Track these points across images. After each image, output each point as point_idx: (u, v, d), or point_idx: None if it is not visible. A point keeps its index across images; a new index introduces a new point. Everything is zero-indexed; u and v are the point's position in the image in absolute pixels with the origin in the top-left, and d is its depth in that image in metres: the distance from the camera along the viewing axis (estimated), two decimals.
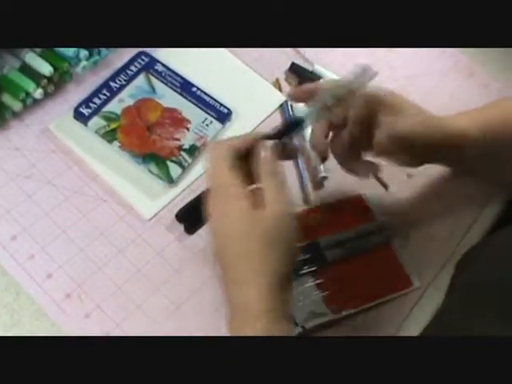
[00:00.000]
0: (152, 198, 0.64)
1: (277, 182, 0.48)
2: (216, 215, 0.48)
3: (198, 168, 0.66)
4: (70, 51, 0.65)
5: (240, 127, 0.70)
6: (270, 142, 0.50)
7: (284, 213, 0.47)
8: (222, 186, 0.47)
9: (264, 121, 0.71)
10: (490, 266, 0.50)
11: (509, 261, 0.47)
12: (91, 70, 0.70)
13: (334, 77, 0.76)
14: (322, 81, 0.57)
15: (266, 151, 0.49)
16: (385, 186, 0.68)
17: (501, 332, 0.42)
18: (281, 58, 0.78)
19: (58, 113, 0.67)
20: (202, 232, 0.62)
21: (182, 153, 0.66)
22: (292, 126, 0.54)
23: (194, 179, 0.66)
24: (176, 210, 0.63)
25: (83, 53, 0.67)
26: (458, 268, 0.59)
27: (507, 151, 0.61)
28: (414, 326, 0.60)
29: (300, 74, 0.76)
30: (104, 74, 0.70)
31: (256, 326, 0.45)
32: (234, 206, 0.46)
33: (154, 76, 0.70)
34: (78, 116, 0.66)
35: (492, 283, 0.47)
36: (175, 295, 0.59)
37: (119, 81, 0.69)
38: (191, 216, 0.63)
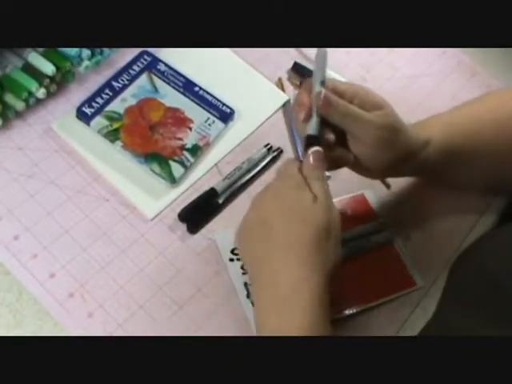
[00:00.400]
0: (154, 198, 0.64)
1: (318, 182, 0.52)
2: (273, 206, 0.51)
3: (201, 168, 0.66)
4: (72, 51, 0.65)
5: (243, 127, 0.70)
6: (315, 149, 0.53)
7: (327, 204, 0.51)
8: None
9: (267, 120, 0.71)
10: (484, 264, 0.50)
11: (504, 259, 0.47)
12: (94, 69, 0.70)
13: (337, 76, 0.76)
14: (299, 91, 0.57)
15: (308, 159, 0.53)
16: (387, 185, 0.69)
17: (493, 332, 0.42)
18: (283, 57, 0.78)
19: (61, 112, 0.67)
20: (205, 231, 0.63)
21: (185, 152, 0.66)
22: (310, 142, 0.54)
23: (196, 179, 0.66)
24: (179, 210, 0.63)
25: (86, 52, 0.67)
26: (453, 267, 0.59)
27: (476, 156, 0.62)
28: (416, 325, 0.60)
29: (302, 74, 0.76)
30: (106, 73, 0.70)
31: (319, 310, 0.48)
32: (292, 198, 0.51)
33: (157, 76, 0.70)
34: (81, 115, 0.66)
35: (485, 283, 0.47)
36: (178, 295, 0.59)
37: (122, 80, 0.69)
38: (194, 215, 0.63)
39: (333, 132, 0.55)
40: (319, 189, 0.51)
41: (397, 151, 0.56)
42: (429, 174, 0.65)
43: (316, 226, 0.49)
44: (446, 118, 0.63)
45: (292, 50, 0.79)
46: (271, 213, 0.50)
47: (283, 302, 0.48)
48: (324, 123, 0.55)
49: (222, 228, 0.63)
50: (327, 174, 0.66)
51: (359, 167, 0.59)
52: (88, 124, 0.66)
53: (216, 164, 0.67)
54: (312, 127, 0.54)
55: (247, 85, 0.74)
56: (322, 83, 0.55)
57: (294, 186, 0.51)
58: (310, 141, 0.54)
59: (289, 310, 0.48)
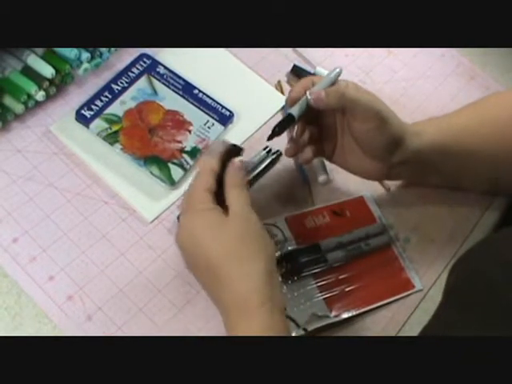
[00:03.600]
0: (154, 201, 0.63)
1: (238, 191, 0.53)
2: (187, 229, 0.52)
3: None
4: (71, 53, 0.65)
5: (242, 129, 0.70)
6: (237, 159, 0.56)
7: (243, 213, 0.52)
8: (192, 204, 0.53)
9: (266, 123, 0.71)
10: (481, 267, 0.50)
11: (500, 263, 0.47)
12: (93, 72, 0.70)
13: None
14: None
15: (231, 167, 0.55)
16: (386, 188, 0.69)
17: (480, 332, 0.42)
18: (282, 60, 0.78)
19: (60, 115, 0.67)
20: None
21: (184, 155, 0.66)
22: (285, 121, 0.59)
23: None
24: (178, 213, 0.63)
25: (85, 55, 0.66)
26: (452, 270, 0.59)
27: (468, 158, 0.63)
28: (415, 328, 0.60)
29: (302, 76, 0.75)
30: (106, 76, 0.70)
31: (256, 317, 0.48)
32: (202, 218, 0.52)
33: (156, 78, 0.70)
34: (80, 118, 0.66)
35: (482, 285, 0.48)
36: (177, 297, 0.59)
37: (121, 83, 0.69)
38: None
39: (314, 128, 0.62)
40: (234, 197, 0.53)
41: (390, 129, 0.58)
42: (425, 176, 0.65)
43: (228, 240, 0.51)
44: (442, 120, 0.64)
45: (291, 53, 0.79)
46: (189, 243, 0.52)
47: (232, 318, 0.50)
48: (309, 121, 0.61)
49: None
50: (323, 177, 0.67)
51: (355, 164, 0.62)
52: (87, 126, 0.66)
53: None
54: (295, 109, 0.59)
55: (246, 87, 0.74)
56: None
57: (200, 209, 0.52)
58: (287, 120, 0.59)
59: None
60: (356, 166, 0.63)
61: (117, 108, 0.67)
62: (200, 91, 0.70)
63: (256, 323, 0.48)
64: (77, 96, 0.69)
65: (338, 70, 0.61)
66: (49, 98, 0.67)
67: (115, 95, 0.68)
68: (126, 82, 0.69)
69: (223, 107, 0.70)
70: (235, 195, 0.53)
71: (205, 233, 0.51)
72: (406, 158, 0.60)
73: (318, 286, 0.61)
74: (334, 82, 0.60)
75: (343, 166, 0.64)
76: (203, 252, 0.51)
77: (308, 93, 0.58)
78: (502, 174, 0.64)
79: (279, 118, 0.72)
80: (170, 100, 0.69)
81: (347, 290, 0.61)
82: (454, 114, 0.64)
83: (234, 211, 0.52)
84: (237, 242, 0.50)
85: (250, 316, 0.48)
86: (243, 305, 0.49)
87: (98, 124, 0.66)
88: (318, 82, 0.60)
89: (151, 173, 0.64)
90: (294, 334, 0.56)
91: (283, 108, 0.73)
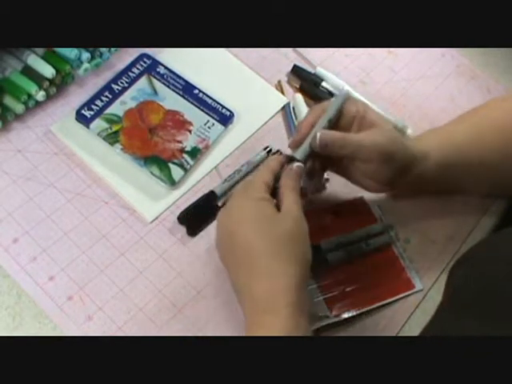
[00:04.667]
0: (154, 201, 0.64)
1: (294, 194, 0.54)
2: (236, 211, 0.53)
3: (200, 170, 0.66)
4: (72, 53, 0.65)
5: (242, 130, 0.70)
6: (296, 164, 0.57)
7: (297, 215, 0.53)
8: (248, 190, 0.54)
9: (266, 123, 0.71)
10: (482, 268, 0.50)
11: (501, 264, 0.47)
12: (93, 72, 0.70)
13: (335, 79, 0.76)
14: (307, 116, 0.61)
15: (290, 170, 0.56)
16: None
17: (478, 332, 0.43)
18: (283, 60, 0.78)
19: (60, 115, 0.67)
20: (205, 234, 0.63)
21: (184, 155, 0.66)
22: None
23: (196, 181, 0.66)
24: (178, 213, 0.63)
25: (85, 55, 0.66)
26: (452, 271, 0.59)
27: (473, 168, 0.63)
28: (415, 328, 0.60)
29: (302, 77, 0.76)
30: (106, 76, 0.70)
31: (283, 315, 0.49)
32: (255, 205, 0.53)
33: (156, 78, 0.70)
34: (80, 118, 0.66)
35: (483, 286, 0.48)
36: (177, 297, 0.58)
37: (121, 83, 0.69)
38: (193, 218, 0.63)
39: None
40: (290, 199, 0.53)
41: (397, 162, 0.58)
42: (427, 187, 0.65)
43: (277, 236, 0.51)
44: (445, 132, 0.63)
45: (291, 53, 0.79)
46: (235, 225, 0.52)
47: (257, 310, 0.50)
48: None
49: None
50: (326, 176, 0.67)
51: (359, 183, 0.62)
52: (87, 126, 0.66)
53: (215, 167, 0.67)
54: (299, 153, 0.58)
55: (247, 87, 0.74)
56: (330, 121, 0.58)
57: (257, 197, 0.53)
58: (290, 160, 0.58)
59: (263, 315, 0.50)
60: (359, 184, 0.62)
61: (117, 108, 0.67)
62: (200, 91, 0.70)
63: (280, 321, 0.49)
64: (77, 96, 0.69)
65: (344, 91, 0.60)
66: (49, 98, 0.67)
67: (115, 95, 0.68)
68: (127, 82, 0.69)
69: (223, 107, 0.70)
70: (292, 196, 0.54)
71: (254, 221, 0.52)
72: (410, 180, 0.60)
73: (318, 286, 0.61)
74: (344, 102, 0.59)
75: (346, 178, 0.63)
76: (247, 239, 0.51)
77: (311, 138, 0.57)
78: (503, 179, 0.64)
79: (279, 118, 0.73)
80: (171, 100, 0.69)
81: (347, 290, 0.61)
82: (455, 125, 0.64)
83: (289, 210, 0.53)
84: (284, 240, 0.51)
85: (275, 313, 0.49)
86: (272, 301, 0.49)
87: (99, 124, 0.66)
88: (328, 109, 0.59)
89: (151, 173, 0.64)
90: None
91: (283, 108, 0.73)
